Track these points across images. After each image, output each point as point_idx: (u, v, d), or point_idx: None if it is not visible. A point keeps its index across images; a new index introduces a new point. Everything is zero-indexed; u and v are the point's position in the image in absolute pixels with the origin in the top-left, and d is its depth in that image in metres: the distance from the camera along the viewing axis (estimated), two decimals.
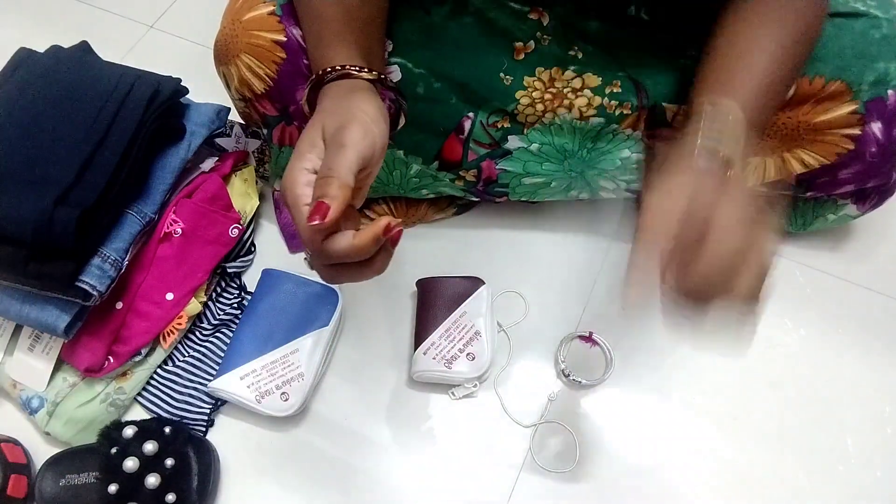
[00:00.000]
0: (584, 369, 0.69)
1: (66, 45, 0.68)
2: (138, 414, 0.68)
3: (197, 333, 0.71)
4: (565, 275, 0.75)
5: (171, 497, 0.59)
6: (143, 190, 0.64)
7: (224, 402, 0.67)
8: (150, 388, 0.68)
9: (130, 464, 0.58)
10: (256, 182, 0.77)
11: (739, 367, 0.69)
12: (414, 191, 0.73)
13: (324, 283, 0.69)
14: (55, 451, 0.64)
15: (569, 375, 0.68)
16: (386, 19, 0.58)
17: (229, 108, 0.72)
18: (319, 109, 0.48)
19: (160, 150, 0.66)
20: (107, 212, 0.60)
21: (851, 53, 0.56)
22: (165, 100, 0.63)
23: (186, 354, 0.70)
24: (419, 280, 0.71)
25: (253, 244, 0.77)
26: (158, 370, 0.69)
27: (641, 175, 0.60)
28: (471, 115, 0.64)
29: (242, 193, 0.74)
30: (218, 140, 0.76)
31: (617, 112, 0.63)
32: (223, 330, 0.71)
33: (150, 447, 0.59)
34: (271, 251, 0.78)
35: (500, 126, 0.64)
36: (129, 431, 0.60)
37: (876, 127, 0.58)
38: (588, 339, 0.70)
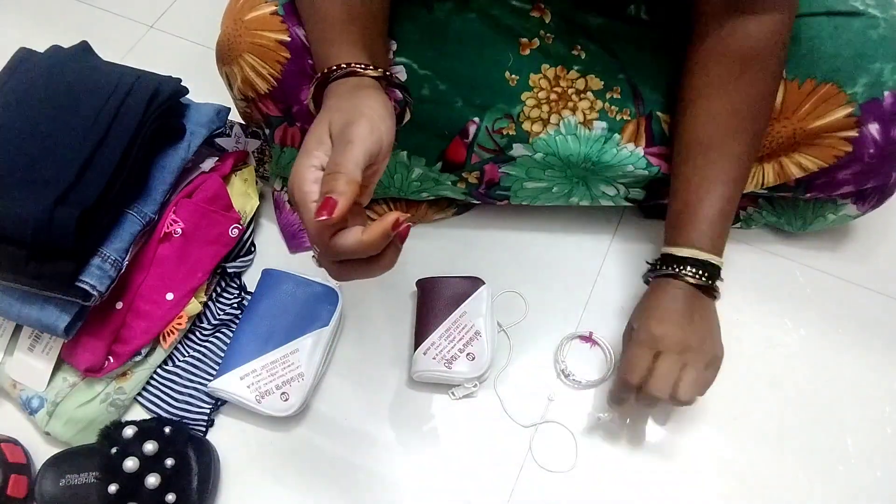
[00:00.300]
0: (584, 369, 0.69)
1: (66, 45, 0.68)
2: (138, 414, 0.68)
3: (197, 333, 0.71)
4: (565, 275, 0.75)
5: (171, 497, 0.59)
6: (143, 190, 0.64)
7: (224, 402, 0.67)
8: (150, 388, 0.68)
9: (130, 464, 0.58)
10: (256, 182, 0.77)
11: (739, 367, 0.69)
12: (414, 194, 0.73)
13: (324, 283, 0.70)
14: (55, 451, 0.64)
15: (569, 375, 0.68)
16: (388, 17, 0.58)
17: (229, 108, 0.72)
18: (326, 107, 0.48)
19: (160, 150, 0.66)
20: (107, 212, 0.59)
21: (848, 53, 0.56)
22: (165, 100, 0.63)
23: (186, 354, 0.70)
24: (419, 280, 0.71)
25: (253, 244, 0.77)
26: (158, 370, 0.69)
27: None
28: (476, 119, 0.64)
29: (242, 193, 0.74)
30: (218, 140, 0.77)
31: (618, 117, 0.63)
32: (223, 330, 0.71)
33: (150, 447, 0.59)
34: (271, 251, 0.78)
35: (505, 133, 0.64)
36: (129, 431, 0.60)
37: (873, 128, 0.58)
38: (588, 339, 0.70)
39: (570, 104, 0.63)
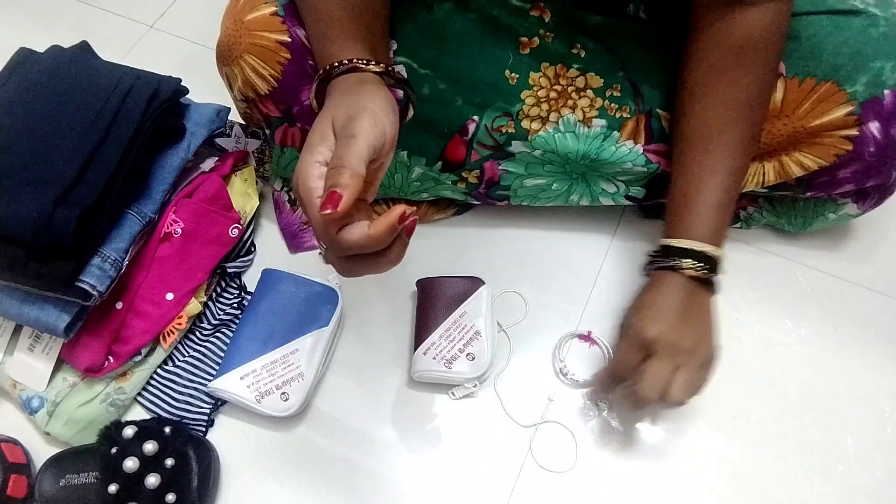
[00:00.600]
0: (584, 368, 0.69)
1: (66, 45, 0.68)
2: (138, 414, 0.68)
3: (197, 333, 0.71)
4: (565, 275, 0.75)
5: (171, 497, 0.59)
6: (143, 190, 0.64)
7: (224, 402, 0.67)
8: (150, 388, 0.68)
9: (130, 464, 0.58)
10: (256, 182, 0.77)
11: (739, 367, 0.69)
12: (415, 194, 0.73)
13: (324, 283, 0.70)
14: (55, 451, 0.64)
15: (567, 374, 0.68)
16: (388, 16, 0.58)
17: (229, 108, 0.72)
18: (328, 103, 0.48)
19: (160, 150, 0.66)
20: (107, 212, 0.59)
21: (848, 51, 0.56)
22: (165, 100, 0.63)
23: (186, 354, 0.70)
24: (419, 280, 0.71)
25: (253, 244, 0.77)
26: (158, 370, 0.69)
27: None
28: (475, 118, 0.64)
29: (242, 193, 0.74)
30: (218, 140, 0.77)
31: (617, 115, 0.63)
32: (223, 330, 0.71)
33: (150, 447, 0.59)
34: (271, 251, 0.78)
35: (504, 131, 0.64)
36: (129, 431, 0.60)
37: (874, 127, 0.58)
38: (588, 338, 0.70)
39: (570, 102, 0.63)
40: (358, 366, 0.70)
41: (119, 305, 0.64)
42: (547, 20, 0.62)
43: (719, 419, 0.66)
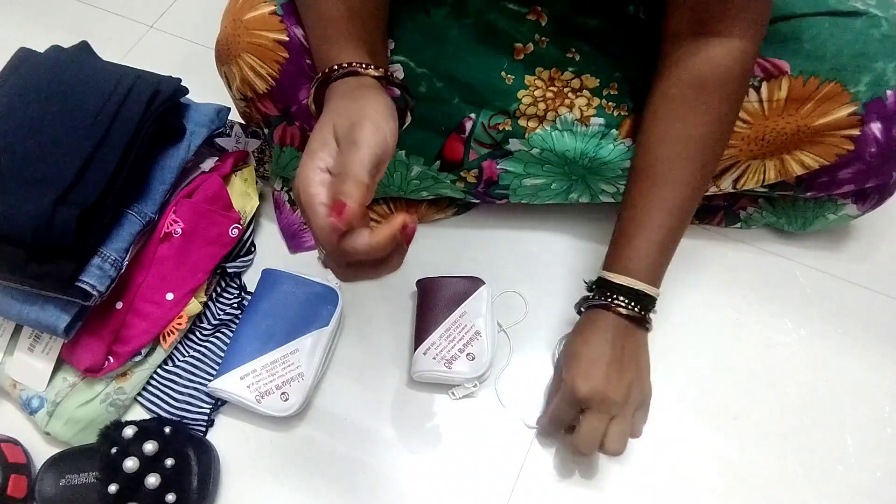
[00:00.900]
0: None
1: (66, 45, 0.68)
2: (138, 414, 0.68)
3: (197, 333, 0.71)
4: (565, 275, 0.75)
5: (171, 497, 0.59)
6: (143, 190, 0.64)
7: (224, 402, 0.67)
8: (150, 388, 0.68)
9: (130, 464, 0.58)
10: (256, 182, 0.77)
11: (739, 367, 0.69)
12: (414, 192, 0.73)
13: (324, 283, 0.70)
14: (55, 451, 0.64)
15: None
16: (387, 17, 0.58)
17: (229, 108, 0.73)
18: (328, 108, 0.48)
19: (160, 150, 0.66)
20: (107, 212, 0.59)
21: (850, 52, 0.56)
22: (165, 100, 0.63)
23: (186, 354, 0.70)
24: (419, 280, 0.71)
25: (253, 244, 0.77)
26: (158, 370, 0.69)
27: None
28: (472, 115, 0.64)
29: (242, 193, 0.74)
30: (218, 140, 0.77)
31: (615, 113, 0.63)
32: (223, 330, 0.71)
33: (150, 447, 0.59)
34: (271, 251, 0.78)
35: (501, 128, 0.64)
36: (129, 431, 0.60)
37: (875, 127, 0.58)
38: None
39: (567, 101, 0.63)
40: (358, 366, 0.70)
41: (119, 305, 0.64)
42: (544, 24, 0.62)
43: (719, 419, 0.66)
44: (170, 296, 0.67)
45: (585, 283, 0.62)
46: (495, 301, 0.71)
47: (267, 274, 0.71)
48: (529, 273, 0.75)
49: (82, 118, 0.60)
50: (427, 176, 0.69)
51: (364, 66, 0.50)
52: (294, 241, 0.77)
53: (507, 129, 0.64)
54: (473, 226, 0.78)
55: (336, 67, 0.50)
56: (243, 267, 0.75)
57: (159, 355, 0.68)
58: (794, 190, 0.66)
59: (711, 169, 0.59)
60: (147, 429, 0.61)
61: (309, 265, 0.76)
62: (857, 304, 0.72)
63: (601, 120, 0.63)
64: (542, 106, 0.63)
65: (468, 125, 0.64)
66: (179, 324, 0.67)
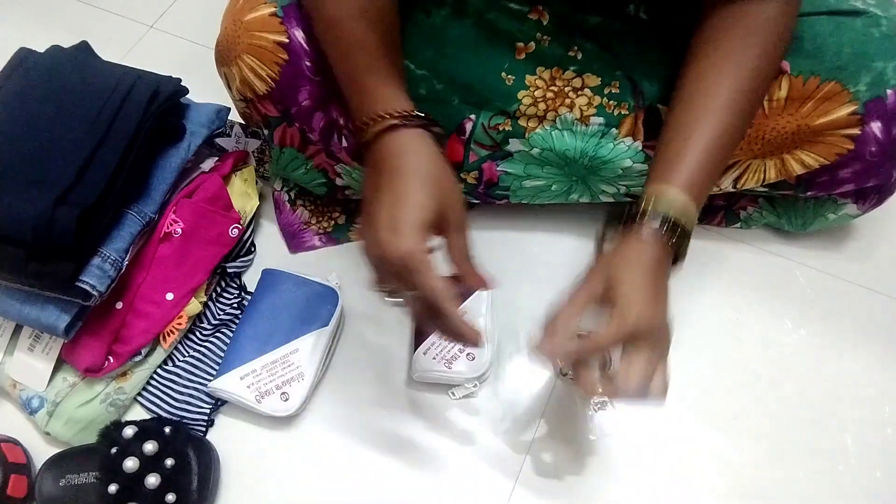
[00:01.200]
0: None
1: (66, 45, 0.68)
2: (138, 414, 0.68)
3: (197, 333, 0.71)
4: (565, 275, 0.75)
5: (171, 497, 0.59)
6: (143, 190, 0.64)
7: (224, 402, 0.67)
8: (150, 388, 0.68)
9: (130, 464, 0.58)
10: (256, 182, 0.77)
11: (739, 367, 0.69)
12: None
13: (324, 283, 0.70)
14: (55, 451, 0.64)
15: (566, 374, 0.68)
16: (399, 25, 0.57)
17: (229, 108, 0.73)
18: (405, 170, 0.49)
19: (160, 150, 0.66)
20: (107, 212, 0.59)
21: (850, 52, 0.56)
22: (165, 100, 0.63)
23: (186, 354, 0.70)
24: None
25: (253, 244, 0.77)
26: (158, 370, 0.69)
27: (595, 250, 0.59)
28: (472, 116, 0.64)
29: (242, 193, 0.74)
30: (218, 140, 0.77)
31: (616, 112, 0.63)
32: (223, 330, 0.71)
33: (150, 447, 0.59)
34: (271, 251, 0.78)
35: (501, 129, 0.64)
36: (129, 431, 0.60)
37: (875, 126, 0.58)
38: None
39: (567, 101, 0.63)
40: (358, 366, 0.70)
41: (119, 305, 0.64)
42: (545, 23, 0.62)
43: (719, 419, 0.66)
44: (170, 296, 0.67)
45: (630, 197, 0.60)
46: (495, 301, 0.71)
47: (267, 274, 0.71)
48: (529, 273, 0.75)
49: (82, 118, 0.60)
50: None
51: (426, 121, 0.51)
52: (294, 241, 0.77)
53: (507, 129, 0.64)
54: (473, 226, 0.76)
55: (387, 115, 0.50)
56: (243, 267, 0.75)
57: (159, 355, 0.68)
58: (795, 189, 0.66)
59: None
60: (147, 429, 0.61)
61: (309, 265, 0.76)
62: (857, 304, 0.72)
63: (601, 119, 0.63)
64: (542, 106, 0.63)
65: (468, 126, 0.64)
66: (179, 324, 0.67)
